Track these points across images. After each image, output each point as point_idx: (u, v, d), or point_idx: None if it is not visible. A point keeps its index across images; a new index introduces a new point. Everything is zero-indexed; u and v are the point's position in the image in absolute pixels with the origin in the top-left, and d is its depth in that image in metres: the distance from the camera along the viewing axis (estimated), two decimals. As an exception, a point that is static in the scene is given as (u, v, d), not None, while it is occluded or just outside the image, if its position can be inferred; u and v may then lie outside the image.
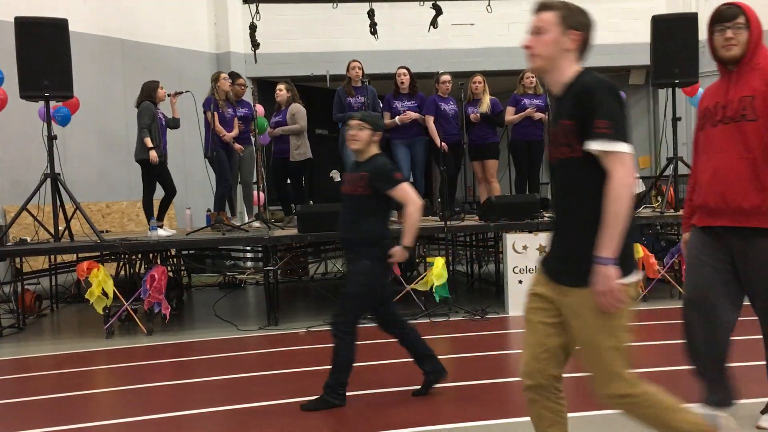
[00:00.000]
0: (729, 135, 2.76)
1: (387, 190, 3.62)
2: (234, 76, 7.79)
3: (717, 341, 2.89)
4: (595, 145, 2.02)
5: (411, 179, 7.51)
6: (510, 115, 7.66)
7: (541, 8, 2.18)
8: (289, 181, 7.91)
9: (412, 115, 7.26)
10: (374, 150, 3.75)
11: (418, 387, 3.84)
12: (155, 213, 7.13)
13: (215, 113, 7.10)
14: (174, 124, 7.32)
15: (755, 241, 2.75)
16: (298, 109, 7.59)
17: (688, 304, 2.94)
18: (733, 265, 2.84)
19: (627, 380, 2.08)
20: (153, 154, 6.73)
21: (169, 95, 7.18)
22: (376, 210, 3.66)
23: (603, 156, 2.02)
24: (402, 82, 7.35)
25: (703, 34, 12.00)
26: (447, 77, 7.52)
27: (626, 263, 2.06)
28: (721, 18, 2.80)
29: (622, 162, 2.00)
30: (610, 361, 2.07)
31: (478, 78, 7.71)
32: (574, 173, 2.11)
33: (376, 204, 3.65)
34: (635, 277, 2.11)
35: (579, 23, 2.16)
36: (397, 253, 3.67)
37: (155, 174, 6.99)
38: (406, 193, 3.63)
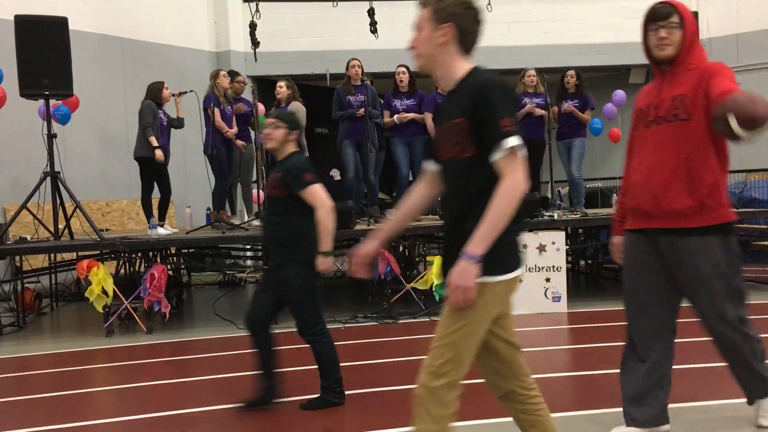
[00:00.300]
0: (662, 135, 2.70)
1: (298, 191, 3.47)
2: (233, 74, 7.80)
3: (660, 356, 2.86)
4: (501, 144, 1.92)
5: (410, 178, 7.52)
6: None
7: (420, 5, 2.11)
8: None
9: (409, 115, 7.26)
10: (291, 149, 3.63)
11: (249, 400, 3.69)
12: (155, 213, 7.13)
13: (216, 109, 7.11)
14: (178, 123, 7.32)
15: (685, 239, 2.69)
16: (298, 107, 7.59)
17: (630, 318, 2.90)
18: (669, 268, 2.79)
19: (446, 383, 1.97)
20: (159, 153, 6.75)
21: (173, 95, 7.19)
22: (292, 210, 3.51)
23: (505, 155, 1.93)
24: (401, 81, 7.36)
25: (703, 33, 11.96)
26: None
27: (505, 260, 2.01)
28: (654, 17, 2.71)
29: (519, 164, 1.94)
30: (441, 355, 1.99)
31: None
32: (464, 172, 2.03)
33: (292, 204, 3.51)
34: (511, 274, 2.04)
35: (451, 14, 2.04)
36: (319, 262, 3.50)
37: (154, 173, 6.99)
38: (315, 195, 3.47)
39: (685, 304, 2.85)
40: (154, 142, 6.73)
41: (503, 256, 2.00)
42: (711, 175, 2.63)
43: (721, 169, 2.68)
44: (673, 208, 2.66)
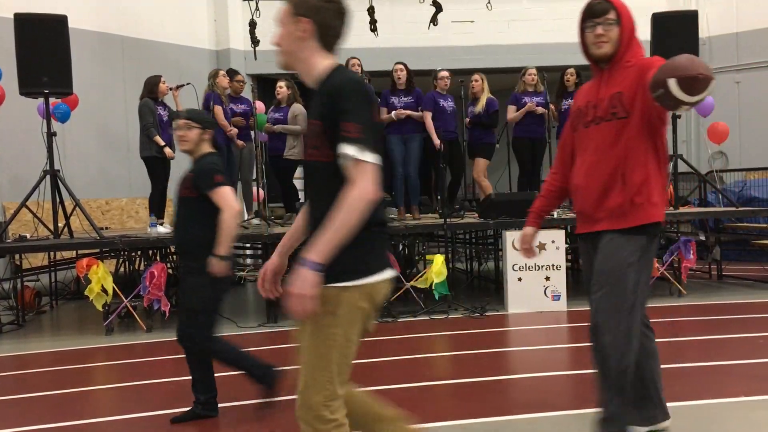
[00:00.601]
0: (600, 135, 2.60)
1: (206, 192, 3.38)
2: (232, 72, 7.79)
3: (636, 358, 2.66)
4: (343, 150, 1.84)
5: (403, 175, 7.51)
6: (511, 113, 7.68)
7: (284, 1, 2.04)
8: (278, 178, 7.92)
9: (406, 112, 7.26)
10: (205, 149, 3.55)
11: (186, 411, 3.56)
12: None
13: (218, 107, 7.12)
14: (178, 117, 7.31)
15: (610, 234, 2.59)
16: (300, 110, 7.59)
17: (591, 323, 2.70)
18: None
19: (320, 399, 1.90)
20: (169, 151, 6.78)
21: (170, 89, 7.19)
22: (203, 213, 3.39)
23: (349, 163, 1.85)
24: (399, 78, 7.35)
25: (703, 31, 11.94)
26: (445, 73, 7.52)
27: (359, 265, 1.92)
28: (591, 14, 2.62)
29: (367, 173, 1.83)
30: (306, 371, 1.92)
31: (476, 77, 7.73)
32: (322, 177, 1.95)
33: (203, 206, 3.39)
34: (366, 279, 1.93)
35: (310, 9, 1.96)
36: (213, 263, 3.32)
37: (161, 171, 7.02)
38: (222, 197, 3.36)
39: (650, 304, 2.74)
40: (160, 141, 6.74)
41: (357, 261, 1.91)
42: (643, 172, 2.56)
43: (657, 167, 2.60)
44: (611, 208, 2.59)
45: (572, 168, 2.78)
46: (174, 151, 7.10)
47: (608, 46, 2.60)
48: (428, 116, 7.31)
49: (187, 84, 7.16)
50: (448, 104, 7.50)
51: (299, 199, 7.90)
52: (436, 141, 7.15)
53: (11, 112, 7.96)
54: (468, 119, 7.66)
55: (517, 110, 7.65)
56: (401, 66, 7.40)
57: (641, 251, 2.57)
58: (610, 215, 2.59)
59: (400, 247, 7.44)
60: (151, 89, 6.98)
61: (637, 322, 2.60)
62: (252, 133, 7.83)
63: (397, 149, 7.33)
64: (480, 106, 7.58)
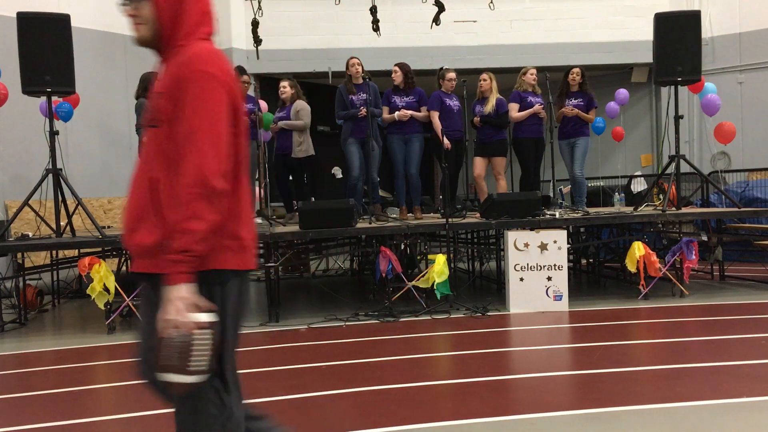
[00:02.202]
0: (146, 145, 2.00)
1: None
2: (239, 71, 7.78)
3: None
4: None
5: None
6: (514, 111, 7.65)
7: None
8: (291, 177, 7.92)
9: (409, 113, 7.26)
10: None
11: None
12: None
13: None
14: None
15: (160, 288, 1.88)
16: (302, 106, 7.60)
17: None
18: None
19: None
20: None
21: None
22: None
23: None
24: (394, 80, 7.38)
25: (706, 32, 11.92)
26: (452, 74, 7.53)
27: None
28: None
29: None
30: None
31: (484, 76, 7.71)
32: None
33: None
34: None
35: None
36: None
37: None
38: None
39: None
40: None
41: None
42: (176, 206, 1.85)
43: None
44: (141, 242, 1.93)
45: None
46: None
47: (145, 28, 1.99)
48: (435, 116, 7.32)
49: None
50: (454, 104, 7.51)
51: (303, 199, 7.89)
52: (446, 141, 7.13)
53: (13, 111, 7.96)
54: (477, 117, 7.64)
55: (520, 108, 7.63)
56: (396, 68, 7.43)
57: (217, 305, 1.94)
58: (146, 255, 1.95)
59: (402, 247, 7.44)
60: (145, 87, 7.02)
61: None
62: (257, 132, 7.83)
63: (398, 149, 7.34)
64: (490, 106, 7.57)
